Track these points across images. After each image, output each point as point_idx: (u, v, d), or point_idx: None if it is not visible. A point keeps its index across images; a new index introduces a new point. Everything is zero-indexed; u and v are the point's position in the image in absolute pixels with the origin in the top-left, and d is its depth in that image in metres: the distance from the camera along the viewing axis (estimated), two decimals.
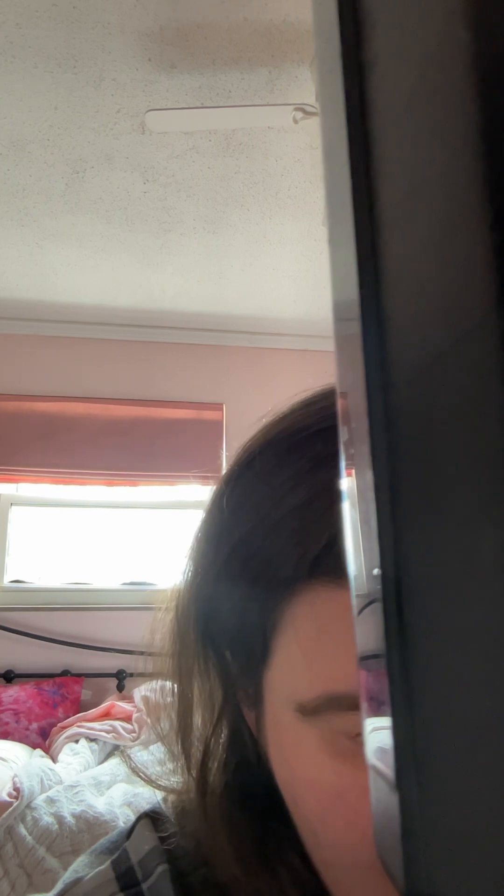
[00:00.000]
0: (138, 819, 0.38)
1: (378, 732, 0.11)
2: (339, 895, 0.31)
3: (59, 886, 0.35)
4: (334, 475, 0.29)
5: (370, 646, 0.12)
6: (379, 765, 0.12)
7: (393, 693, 0.11)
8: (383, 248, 0.12)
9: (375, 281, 0.12)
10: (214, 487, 0.36)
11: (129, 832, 0.38)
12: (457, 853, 0.10)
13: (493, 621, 0.09)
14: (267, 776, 0.34)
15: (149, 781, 0.39)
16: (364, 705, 0.13)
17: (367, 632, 0.12)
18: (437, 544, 0.10)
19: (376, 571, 0.11)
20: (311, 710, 0.29)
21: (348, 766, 0.28)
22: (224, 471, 0.36)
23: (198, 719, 0.37)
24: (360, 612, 0.13)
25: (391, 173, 0.12)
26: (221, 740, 0.36)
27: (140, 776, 0.39)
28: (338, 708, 0.28)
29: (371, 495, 0.11)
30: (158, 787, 0.39)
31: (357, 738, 0.28)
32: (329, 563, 0.29)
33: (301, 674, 0.29)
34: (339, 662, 0.28)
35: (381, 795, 0.11)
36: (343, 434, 0.14)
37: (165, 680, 0.39)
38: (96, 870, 0.35)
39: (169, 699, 0.38)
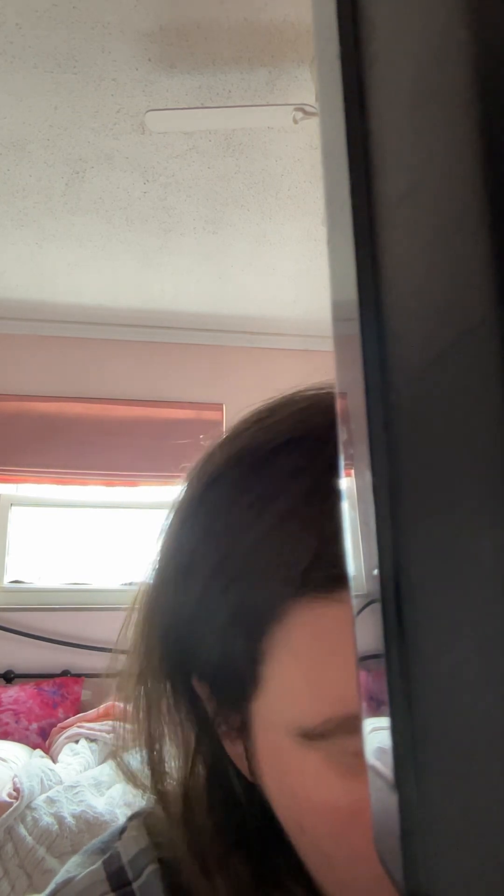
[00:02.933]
0: (130, 819, 0.38)
1: (377, 732, 0.11)
2: None
3: (51, 886, 0.35)
4: (303, 487, 0.29)
5: (369, 646, 0.12)
6: (378, 765, 0.12)
7: (392, 693, 0.11)
8: (382, 248, 0.12)
9: (375, 281, 0.12)
10: (172, 513, 0.34)
11: (121, 832, 0.38)
12: (456, 853, 0.10)
13: (492, 621, 0.09)
14: (259, 808, 0.33)
15: (142, 786, 0.38)
16: (363, 705, 0.13)
17: (367, 632, 0.12)
18: (436, 544, 0.10)
19: (376, 572, 0.11)
20: (318, 735, 0.28)
21: (358, 783, 0.27)
22: (180, 495, 0.34)
23: (167, 754, 0.36)
24: (360, 612, 0.13)
25: (391, 173, 0.12)
26: (200, 781, 0.35)
27: (132, 781, 0.39)
28: (346, 730, 0.27)
29: (370, 495, 0.11)
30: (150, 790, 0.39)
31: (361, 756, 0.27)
32: (319, 576, 0.28)
33: (303, 698, 0.28)
34: (345, 682, 0.27)
35: (381, 795, 0.11)
36: (342, 434, 0.14)
37: (128, 714, 0.37)
38: (87, 870, 0.35)
39: (132, 732, 0.37)
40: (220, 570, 0.31)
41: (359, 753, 0.27)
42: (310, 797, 0.29)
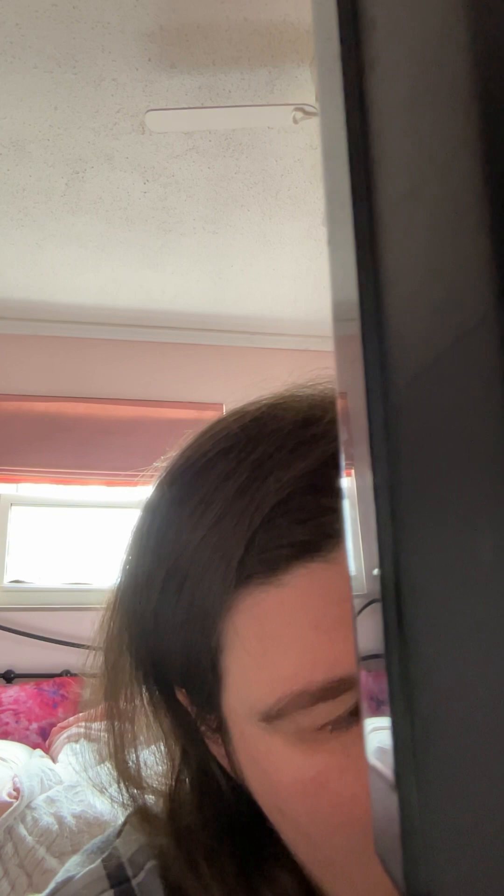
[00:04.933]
0: (128, 817, 0.39)
1: (377, 732, 0.11)
2: (342, 891, 0.31)
3: (51, 886, 0.36)
4: (234, 487, 0.31)
5: (370, 646, 0.12)
6: (378, 765, 0.12)
7: (392, 693, 0.11)
8: (383, 248, 0.12)
9: (375, 281, 0.12)
10: (138, 517, 0.37)
11: (119, 831, 0.39)
12: (456, 853, 0.10)
13: (492, 621, 0.09)
14: (245, 804, 0.34)
15: (139, 788, 0.39)
16: (364, 705, 0.13)
17: (367, 632, 0.12)
18: (436, 544, 0.10)
19: (376, 572, 0.11)
20: (275, 715, 0.29)
21: (321, 754, 0.29)
22: (145, 498, 0.37)
23: (143, 762, 0.37)
24: (360, 612, 0.13)
25: (391, 173, 0.12)
26: (186, 786, 0.36)
27: (106, 795, 0.40)
28: (299, 706, 0.28)
29: (370, 496, 0.11)
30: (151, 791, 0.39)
31: (322, 728, 0.28)
32: (253, 564, 0.30)
33: (255, 682, 0.30)
34: (289, 660, 0.28)
35: (381, 795, 0.11)
36: (343, 434, 0.14)
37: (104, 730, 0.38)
38: (87, 868, 0.36)
39: (106, 749, 0.38)
40: (173, 573, 0.33)
41: (315, 727, 0.28)
42: (280, 779, 0.30)
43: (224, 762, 0.35)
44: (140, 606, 0.35)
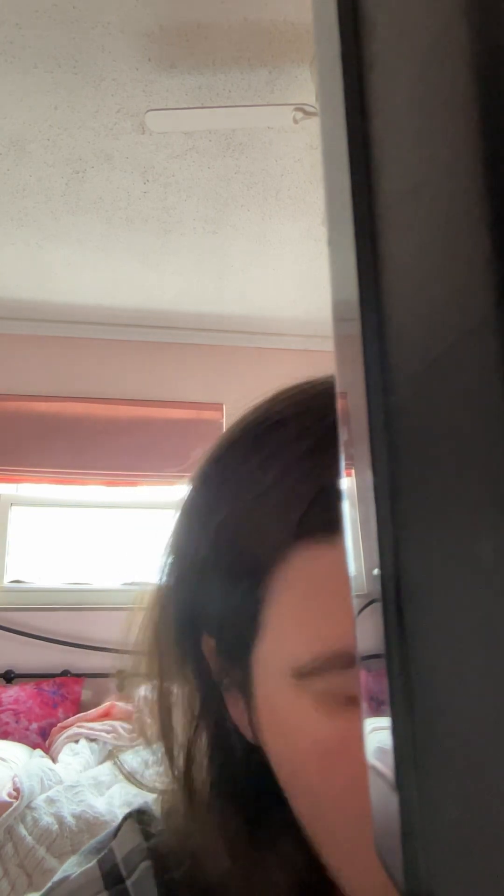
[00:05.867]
0: (125, 818, 0.39)
1: (378, 732, 0.11)
2: (341, 864, 0.31)
3: (48, 885, 0.36)
4: (305, 446, 0.32)
5: (370, 646, 0.12)
6: (379, 765, 0.12)
7: (392, 693, 0.11)
8: (383, 248, 0.12)
9: (375, 281, 0.12)
10: (195, 475, 0.38)
11: (116, 832, 0.38)
12: (456, 853, 0.10)
13: (491, 621, 0.09)
14: (255, 768, 0.34)
15: (139, 784, 0.40)
16: (364, 705, 0.13)
17: (367, 632, 0.12)
18: (436, 544, 0.10)
19: (376, 572, 0.11)
20: (308, 672, 0.29)
21: (345, 720, 0.29)
22: (204, 459, 0.38)
23: (177, 722, 0.37)
24: (360, 612, 0.13)
25: (391, 173, 0.12)
26: (203, 741, 0.37)
27: (131, 781, 0.40)
28: (334, 667, 0.28)
29: (371, 495, 0.11)
30: (148, 789, 0.40)
31: (351, 700, 0.28)
32: (315, 521, 0.30)
33: (296, 638, 0.30)
34: (335, 620, 0.28)
35: (381, 795, 0.11)
36: (343, 434, 0.14)
37: (144, 682, 0.39)
38: (82, 868, 0.36)
39: (147, 701, 0.39)
40: (228, 524, 0.34)
41: (347, 693, 0.28)
42: (300, 739, 0.30)
43: (241, 721, 0.35)
44: (191, 552, 0.36)
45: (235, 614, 0.33)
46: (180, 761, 0.36)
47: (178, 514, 0.38)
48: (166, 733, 0.37)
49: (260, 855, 0.34)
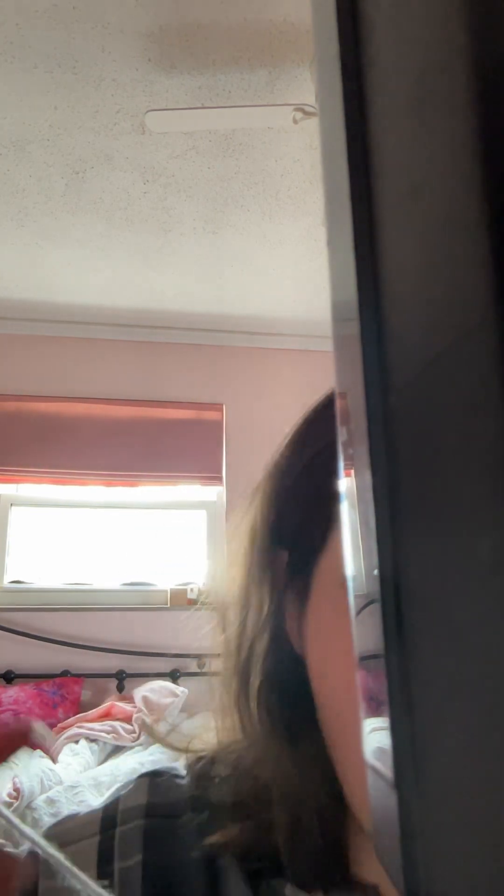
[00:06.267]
0: (139, 777, 0.41)
1: (377, 732, 0.11)
2: (352, 788, 0.31)
3: (60, 817, 0.40)
4: None
5: (369, 646, 0.12)
6: (378, 765, 0.12)
7: (391, 693, 0.11)
8: (382, 248, 0.12)
9: (374, 281, 0.12)
10: (306, 412, 0.40)
11: (131, 785, 0.41)
12: (456, 853, 0.10)
13: (490, 622, 0.09)
14: (298, 688, 0.36)
15: (171, 746, 0.42)
16: (363, 705, 0.13)
17: (367, 632, 0.12)
18: (436, 545, 0.10)
19: (376, 572, 0.11)
20: None
21: None
22: (317, 399, 0.41)
23: (251, 621, 0.39)
24: (360, 612, 0.13)
25: (390, 174, 0.12)
26: (264, 644, 0.38)
27: (163, 742, 0.42)
28: None
29: (370, 496, 0.11)
30: (181, 749, 0.42)
31: None
32: None
33: None
34: None
35: (381, 795, 0.11)
36: (342, 434, 0.14)
37: (230, 588, 0.41)
38: (91, 809, 0.39)
39: (230, 604, 0.41)
40: (322, 455, 0.36)
41: None
42: (339, 643, 0.31)
43: (293, 632, 0.37)
44: (286, 475, 0.39)
45: (309, 530, 0.36)
46: (245, 652, 0.38)
47: (285, 441, 0.41)
48: (241, 629, 0.39)
49: (295, 770, 0.35)
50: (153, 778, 0.41)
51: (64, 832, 0.38)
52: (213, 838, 0.35)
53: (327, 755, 0.33)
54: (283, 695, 0.37)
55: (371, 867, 0.33)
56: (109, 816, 0.38)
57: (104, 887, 0.28)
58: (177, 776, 0.41)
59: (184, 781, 0.40)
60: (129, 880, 0.35)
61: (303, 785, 0.35)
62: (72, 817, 0.39)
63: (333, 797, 0.34)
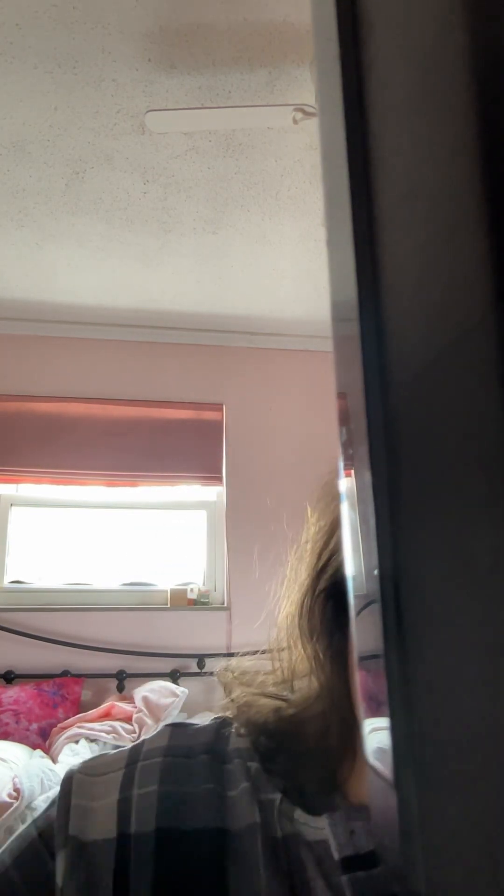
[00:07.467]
0: (164, 726, 0.46)
1: (377, 732, 0.11)
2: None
3: (91, 756, 0.45)
4: None
5: (369, 646, 0.12)
6: (378, 765, 0.12)
7: (391, 693, 0.11)
8: (381, 248, 0.12)
9: (373, 282, 0.12)
10: None
11: (153, 734, 0.46)
12: (455, 852, 0.10)
13: (489, 622, 0.09)
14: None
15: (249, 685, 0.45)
16: (363, 705, 0.13)
17: (367, 632, 0.12)
18: (435, 545, 0.10)
19: (376, 572, 0.11)
20: None
21: None
22: None
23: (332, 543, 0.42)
24: (360, 612, 0.13)
25: (389, 174, 0.12)
26: (324, 586, 0.40)
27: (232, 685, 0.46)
28: None
29: (369, 496, 0.11)
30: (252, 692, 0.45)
31: None
32: None
33: None
34: None
35: (380, 795, 0.11)
36: (342, 434, 0.14)
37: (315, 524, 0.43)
38: (119, 750, 0.45)
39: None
40: None
41: None
42: None
43: None
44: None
45: None
46: (321, 563, 0.40)
47: None
48: (323, 543, 0.41)
49: (328, 685, 0.38)
50: (175, 727, 0.45)
51: (94, 766, 0.43)
52: (230, 768, 0.41)
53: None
54: (338, 606, 0.39)
55: (364, 791, 0.36)
56: (133, 755, 0.43)
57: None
58: (198, 730, 0.45)
59: (203, 733, 0.44)
60: (145, 804, 0.40)
61: (329, 702, 0.38)
62: (102, 756, 0.45)
63: (346, 722, 0.37)
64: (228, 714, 0.45)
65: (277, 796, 0.39)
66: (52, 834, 0.40)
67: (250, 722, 0.43)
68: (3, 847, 0.42)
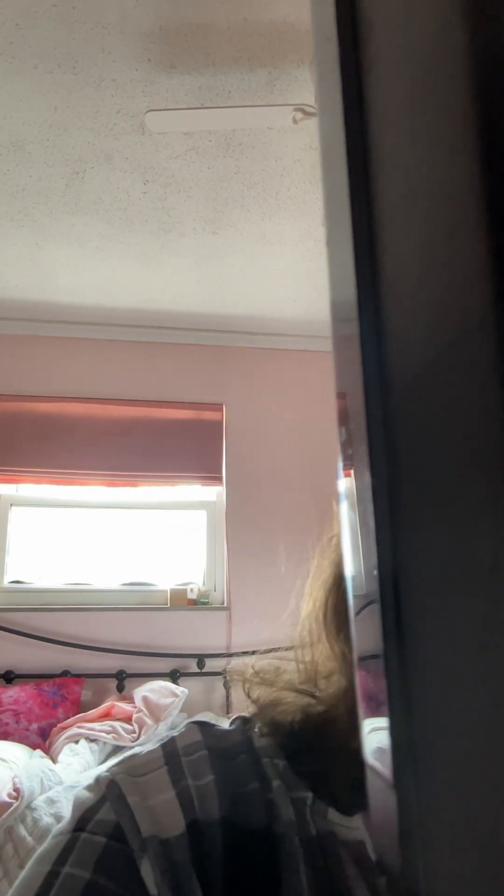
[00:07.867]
0: (187, 724, 0.45)
1: (377, 732, 0.11)
2: None
3: (115, 760, 0.42)
4: None
5: (368, 646, 0.12)
6: (377, 765, 0.12)
7: (390, 693, 0.11)
8: (381, 248, 0.12)
9: (373, 282, 0.12)
10: None
11: (175, 734, 0.45)
12: (454, 852, 0.10)
13: (488, 622, 0.09)
14: None
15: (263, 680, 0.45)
16: (363, 705, 0.13)
17: (366, 632, 0.12)
18: (435, 545, 0.10)
19: (376, 572, 0.11)
20: None
21: None
22: None
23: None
24: (359, 612, 0.13)
25: (389, 174, 0.12)
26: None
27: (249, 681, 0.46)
28: None
29: (369, 496, 0.11)
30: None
31: None
32: None
33: None
34: None
35: (380, 795, 0.11)
36: (342, 434, 0.14)
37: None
38: (147, 749, 0.43)
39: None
40: None
41: None
42: None
43: None
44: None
45: None
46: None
47: None
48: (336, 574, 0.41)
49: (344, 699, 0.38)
50: (203, 725, 0.44)
51: (133, 767, 0.41)
52: (263, 768, 0.40)
53: None
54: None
55: None
56: (170, 751, 0.41)
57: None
58: (226, 731, 0.44)
59: (233, 734, 0.44)
60: (205, 794, 0.38)
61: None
62: (132, 757, 0.42)
63: None
64: (247, 714, 0.45)
65: (309, 794, 0.39)
66: (122, 836, 0.37)
67: (274, 721, 0.42)
68: (48, 860, 0.36)
